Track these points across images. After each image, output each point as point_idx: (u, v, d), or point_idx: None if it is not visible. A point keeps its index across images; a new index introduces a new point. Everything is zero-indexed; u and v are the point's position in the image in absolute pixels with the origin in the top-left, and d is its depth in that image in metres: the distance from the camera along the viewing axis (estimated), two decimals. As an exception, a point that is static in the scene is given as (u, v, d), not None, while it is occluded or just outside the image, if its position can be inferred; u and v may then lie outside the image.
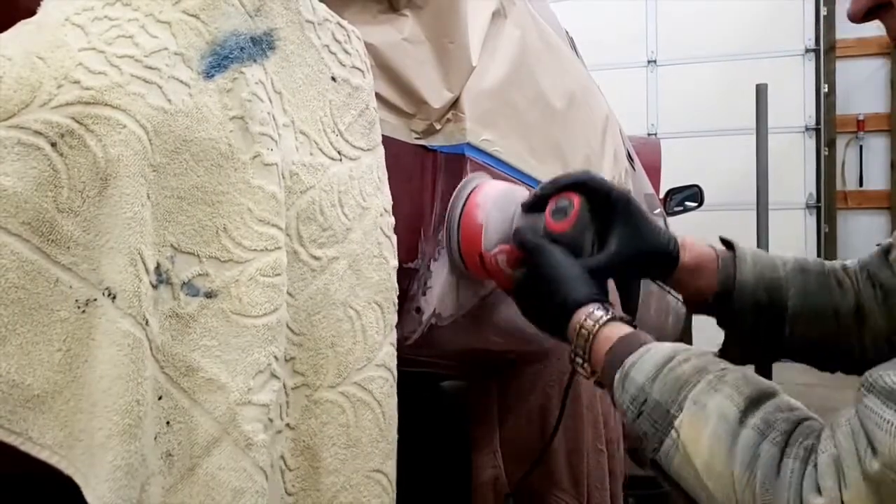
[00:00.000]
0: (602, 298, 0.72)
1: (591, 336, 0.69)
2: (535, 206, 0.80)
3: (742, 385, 0.59)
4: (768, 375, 2.64)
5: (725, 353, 0.83)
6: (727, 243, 0.84)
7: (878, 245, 0.82)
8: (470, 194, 0.84)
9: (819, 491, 0.50)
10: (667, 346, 0.64)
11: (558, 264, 0.74)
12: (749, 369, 0.63)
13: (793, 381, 4.48)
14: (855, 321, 0.81)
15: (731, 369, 0.61)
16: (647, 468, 0.64)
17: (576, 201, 0.77)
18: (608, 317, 0.69)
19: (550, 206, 0.78)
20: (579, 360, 0.71)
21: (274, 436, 0.54)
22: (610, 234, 0.78)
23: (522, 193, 0.84)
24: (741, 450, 0.55)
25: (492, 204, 0.82)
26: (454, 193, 0.83)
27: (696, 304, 0.86)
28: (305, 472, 0.59)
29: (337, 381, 0.61)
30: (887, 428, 0.47)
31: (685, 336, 3.53)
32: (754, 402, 0.57)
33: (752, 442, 0.55)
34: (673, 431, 0.58)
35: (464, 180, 0.84)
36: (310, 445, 0.59)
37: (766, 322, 0.81)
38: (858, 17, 0.60)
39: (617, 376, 0.64)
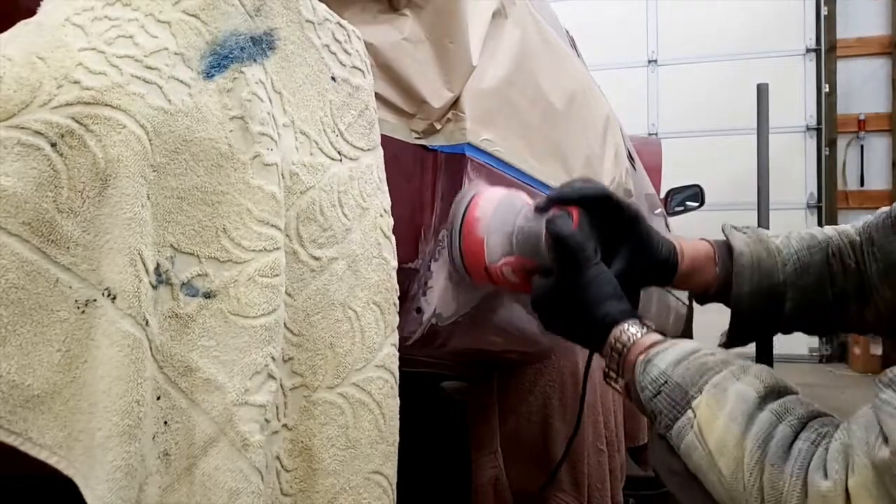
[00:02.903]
0: (637, 315, 0.73)
1: (623, 351, 0.69)
2: (543, 211, 0.81)
3: (765, 376, 0.60)
4: (769, 361, 2.63)
5: (729, 333, 0.86)
6: (727, 241, 0.85)
7: (887, 212, 0.82)
8: (468, 207, 0.84)
9: (825, 474, 0.51)
10: (693, 343, 0.66)
11: (597, 281, 0.73)
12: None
13: (792, 380, 4.49)
14: (857, 301, 0.82)
15: (755, 364, 0.63)
16: (653, 443, 0.64)
17: (574, 216, 0.76)
18: (643, 331, 0.70)
19: (550, 216, 0.78)
20: (612, 375, 0.71)
21: (270, 436, 0.54)
22: (617, 251, 0.80)
23: (520, 200, 0.84)
24: (756, 429, 0.56)
25: (491, 216, 0.82)
26: (452, 207, 0.83)
27: (694, 294, 0.89)
28: (304, 474, 0.59)
29: (336, 381, 0.61)
30: None
31: (686, 335, 3.53)
32: (775, 391, 0.59)
33: (768, 423, 0.56)
34: (689, 411, 0.60)
35: (461, 193, 0.84)
36: (308, 446, 0.59)
37: (763, 320, 0.83)
38: None
39: (640, 359, 0.66)
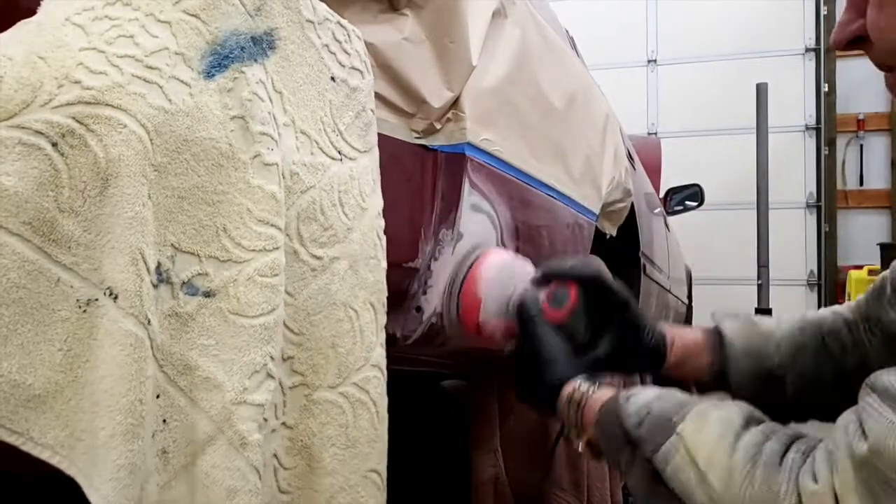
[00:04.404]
0: (589, 376, 0.76)
1: (581, 403, 0.73)
2: (538, 284, 0.84)
3: (744, 406, 0.64)
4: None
5: None
6: (718, 328, 0.86)
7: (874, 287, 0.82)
8: (472, 264, 0.88)
9: (815, 478, 0.53)
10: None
11: (547, 345, 0.79)
12: None
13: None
14: (859, 381, 0.81)
15: (732, 400, 0.66)
16: (633, 471, 0.66)
17: (572, 294, 0.80)
18: (597, 385, 0.74)
19: (549, 291, 0.81)
20: (574, 432, 0.74)
21: (268, 435, 0.54)
22: (604, 333, 0.83)
23: (523, 269, 0.88)
24: (744, 446, 0.58)
25: (492, 277, 0.87)
26: (458, 260, 0.87)
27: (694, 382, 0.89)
28: (302, 472, 0.59)
29: (337, 381, 0.61)
30: (879, 419, 0.51)
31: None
32: (755, 419, 0.62)
33: (756, 441, 0.58)
34: (675, 436, 0.62)
35: (469, 248, 0.88)
36: (307, 445, 0.60)
37: (766, 406, 0.79)
38: (840, 45, 0.63)
39: (621, 398, 0.68)
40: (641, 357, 0.84)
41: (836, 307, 0.86)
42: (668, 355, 0.84)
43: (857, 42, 0.62)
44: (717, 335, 0.84)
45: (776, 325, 0.84)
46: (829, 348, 0.82)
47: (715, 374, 0.84)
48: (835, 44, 0.63)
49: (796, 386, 0.82)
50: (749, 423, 0.61)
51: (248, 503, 0.50)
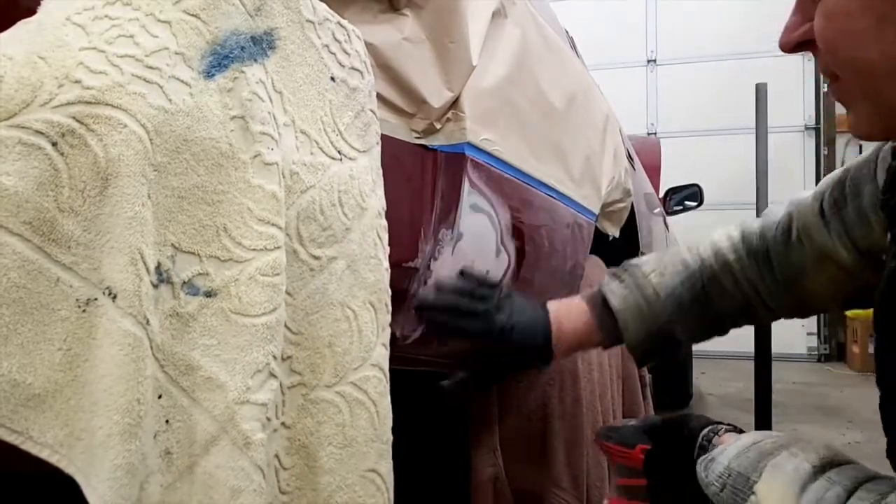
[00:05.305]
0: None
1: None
2: None
3: (823, 451, 0.62)
4: (764, 374, 2.62)
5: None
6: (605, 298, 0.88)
7: (776, 223, 0.84)
8: None
9: None
10: (754, 433, 0.69)
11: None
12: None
13: (791, 379, 4.49)
14: (743, 318, 0.89)
15: (815, 442, 0.64)
16: None
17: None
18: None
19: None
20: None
21: (270, 435, 0.54)
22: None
23: None
24: (809, 493, 0.58)
25: None
26: None
27: None
28: (301, 472, 0.60)
29: (334, 380, 0.61)
30: None
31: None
32: (832, 463, 0.61)
33: (822, 488, 0.58)
34: (753, 496, 0.62)
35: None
36: (305, 444, 0.60)
37: (662, 354, 0.90)
38: (787, 49, 0.62)
39: (699, 466, 0.68)
40: (524, 359, 0.87)
41: (719, 243, 0.88)
42: (556, 349, 0.87)
43: (807, 44, 0.61)
44: (605, 310, 0.87)
45: (659, 280, 0.87)
46: (708, 297, 0.87)
47: (609, 344, 0.90)
48: (781, 47, 0.63)
49: (686, 332, 0.88)
50: (822, 469, 0.60)
51: (253, 503, 0.50)
